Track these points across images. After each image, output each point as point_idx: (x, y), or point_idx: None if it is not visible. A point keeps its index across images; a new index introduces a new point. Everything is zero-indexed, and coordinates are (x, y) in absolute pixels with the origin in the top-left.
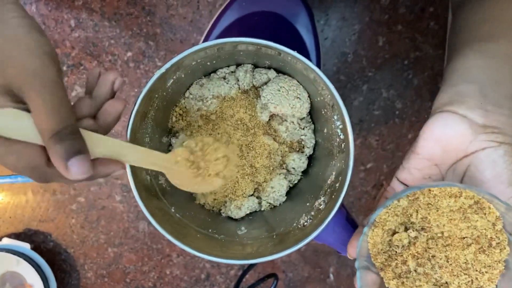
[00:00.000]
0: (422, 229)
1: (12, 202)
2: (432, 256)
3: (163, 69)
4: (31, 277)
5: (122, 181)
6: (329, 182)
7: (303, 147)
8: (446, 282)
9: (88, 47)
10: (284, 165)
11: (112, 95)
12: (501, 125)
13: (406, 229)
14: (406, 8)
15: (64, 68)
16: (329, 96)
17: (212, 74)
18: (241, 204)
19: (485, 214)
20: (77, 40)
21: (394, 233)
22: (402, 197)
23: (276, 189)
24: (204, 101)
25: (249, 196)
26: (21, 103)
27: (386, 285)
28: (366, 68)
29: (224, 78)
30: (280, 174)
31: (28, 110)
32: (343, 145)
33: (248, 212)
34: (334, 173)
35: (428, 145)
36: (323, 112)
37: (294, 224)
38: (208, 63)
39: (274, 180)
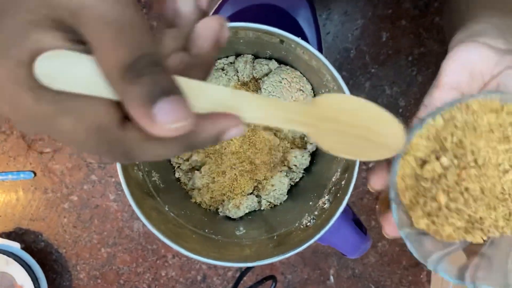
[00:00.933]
0: (455, 157)
1: (2, 200)
2: (465, 189)
3: None
4: (21, 278)
5: (116, 179)
6: (334, 179)
7: (306, 143)
8: (481, 218)
9: None
10: (286, 162)
11: (200, 14)
12: None
13: (437, 158)
14: (410, 3)
15: None
16: (335, 88)
17: None
18: (239, 203)
19: None
20: None
21: (423, 163)
22: (437, 116)
23: (277, 187)
24: None
25: (248, 194)
26: (78, 43)
27: (416, 225)
28: (369, 64)
29: (223, 69)
30: (281, 171)
31: (88, 52)
32: None
33: (247, 212)
34: (339, 170)
35: (454, 72)
36: None
37: (296, 225)
38: None
39: (275, 178)
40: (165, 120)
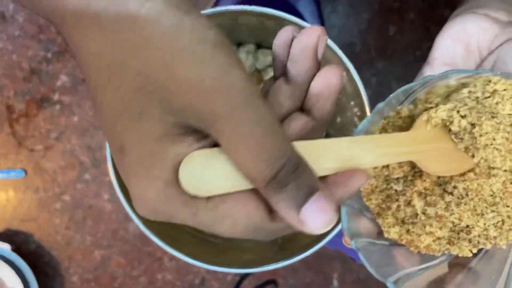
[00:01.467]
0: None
1: None
2: (445, 191)
3: None
4: (11, 281)
5: (111, 178)
6: None
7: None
8: (467, 226)
9: None
10: None
11: (317, 66)
12: None
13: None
14: None
15: (49, 55)
16: (346, 78)
17: None
18: None
19: None
20: None
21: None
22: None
23: None
24: None
25: None
26: (203, 139)
27: (386, 235)
28: (375, 59)
29: None
30: None
31: (215, 144)
32: None
33: None
34: None
35: (447, 45)
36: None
37: None
38: None
39: None
40: (315, 225)
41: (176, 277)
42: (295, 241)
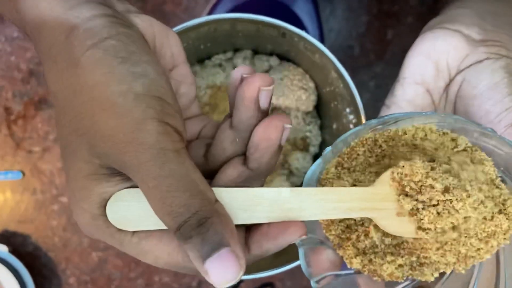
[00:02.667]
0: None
1: None
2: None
3: None
4: (8, 282)
5: None
6: None
7: (308, 145)
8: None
9: None
10: (287, 165)
11: (260, 115)
12: (503, 40)
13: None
14: None
15: None
16: (341, 85)
17: (206, 61)
18: None
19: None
20: None
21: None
22: (349, 139)
23: None
24: (197, 91)
25: None
26: (129, 180)
27: (348, 265)
28: (373, 62)
29: (220, 65)
30: (281, 175)
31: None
32: None
33: None
34: None
35: (417, 63)
36: (332, 105)
37: None
38: (202, 46)
39: (275, 182)
40: (217, 279)
41: (173, 279)
42: (292, 246)
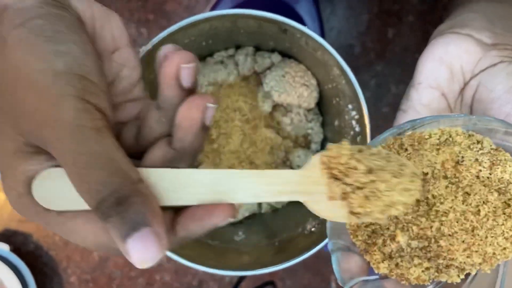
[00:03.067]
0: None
1: None
2: (429, 221)
3: (149, 46)
4: (9, 281)
5: None
6: None
7: (310, 143)
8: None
9: None
10: (288, 162)
11: (183, 94)
12: None
13: None
14: None
15: None
16: (344, 81)
17: (207, 58)
18: (238, 205)
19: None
20: None
21: None
22: (378, 144)
23: None
24: (198, 88)
25: None
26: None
27: (376, 271)
28: (374, 61)
29: (222, 62)
30: None
31: None
32: (358, 139)
33: (246, 215)
34: None
35: (431, 68)
36: (334, 102)
37: (299, 230)
38: (204, 43)
39: None
40: (136, 258)
41: (174, 278)
42: (292, 244)
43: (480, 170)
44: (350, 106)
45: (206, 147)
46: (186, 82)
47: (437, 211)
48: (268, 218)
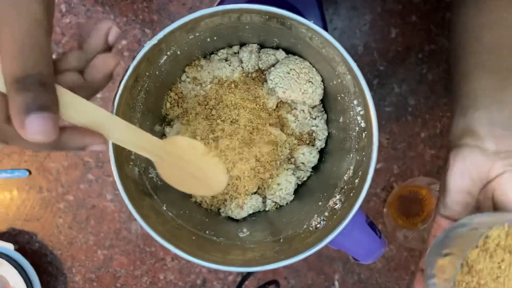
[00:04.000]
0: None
1: None
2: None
3: (154, 40)
4: (14, 280)
5: (114, 178)
6: (345, 178)
7: (314, 140)
8: None
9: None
10: (293, 160)
11: (107, 49)
12: None
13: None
14: None
15: (54, 56)
16: (349, 76)
17: (212, 55)
18: (243, 202)
19: None
20: (68, 26)
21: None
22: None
23: (283, 187)
24: (203, 85)
25: (252, 194)
26: None
27: None
28: (377, 61)
29: (226, 59)
30: (287, 169)
31: None
32: (364, 135)
33: (251, 212)
34: (351, 168)
35: (456, 181)
36: (339, 98)
37: (304, 227)
38: (208, 39)
39: (281, 176)
40: (31, 129)
41: (178, 277)
42: (297, 240)
43: None
44: (355, 102)
45: (211, 145)
46: (111, 39)
47: None
48: (273, 216)
